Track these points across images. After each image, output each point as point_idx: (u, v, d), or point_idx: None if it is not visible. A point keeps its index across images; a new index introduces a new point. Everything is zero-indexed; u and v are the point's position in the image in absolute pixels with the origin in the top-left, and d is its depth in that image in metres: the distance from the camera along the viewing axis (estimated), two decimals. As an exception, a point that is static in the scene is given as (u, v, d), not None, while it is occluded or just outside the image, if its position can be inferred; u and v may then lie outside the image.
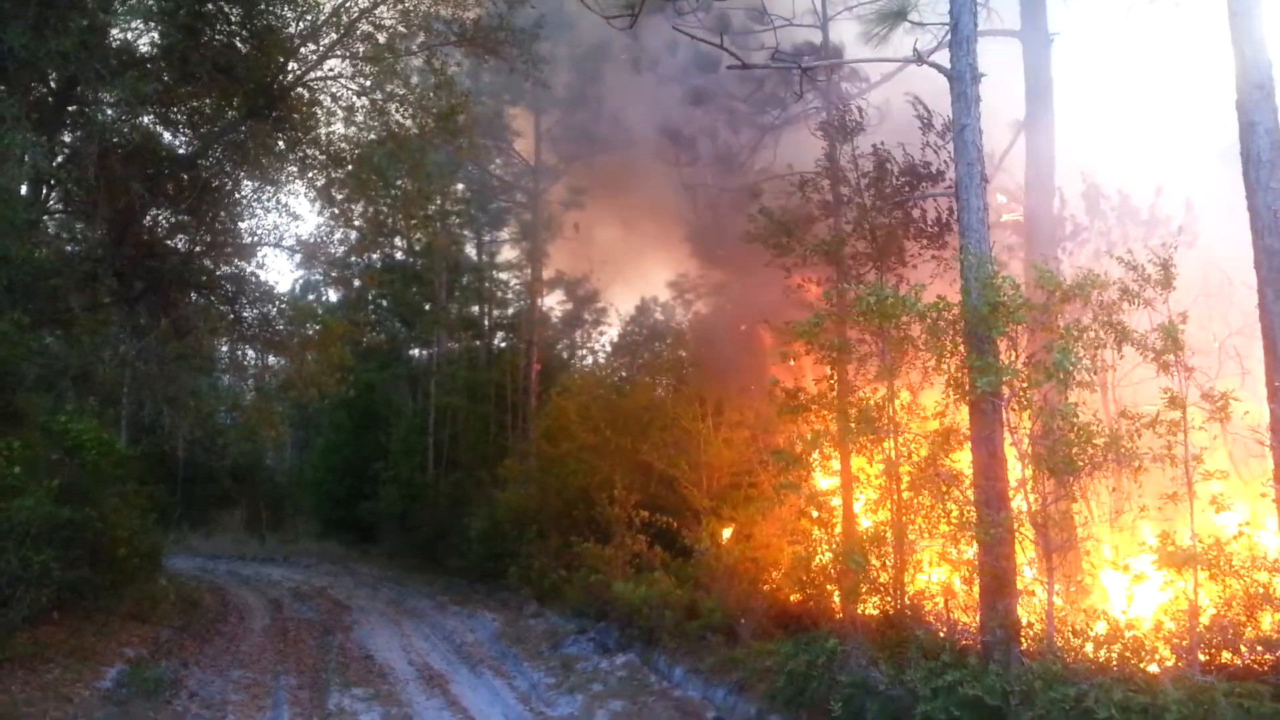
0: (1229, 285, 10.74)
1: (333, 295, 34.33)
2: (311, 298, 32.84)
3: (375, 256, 26.60)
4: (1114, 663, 6.83)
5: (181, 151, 15.68)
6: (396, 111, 15.76)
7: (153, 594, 15.85)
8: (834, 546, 9.30)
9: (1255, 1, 7.84)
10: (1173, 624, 7.05)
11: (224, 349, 19.26)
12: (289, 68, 14.99)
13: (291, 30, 14.73)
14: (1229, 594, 7.03)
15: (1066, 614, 7.46)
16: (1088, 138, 13.73)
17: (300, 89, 15.34)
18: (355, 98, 15.78)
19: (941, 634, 8.05)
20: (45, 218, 14.72)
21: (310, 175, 16.42)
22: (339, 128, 16.20)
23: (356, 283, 29.03)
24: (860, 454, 9.35)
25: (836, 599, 9.70)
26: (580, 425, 18.15)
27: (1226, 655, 7.01)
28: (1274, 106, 7.65)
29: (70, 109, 14.03)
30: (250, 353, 19.27)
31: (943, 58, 8.97)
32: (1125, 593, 7.22)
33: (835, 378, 10.07)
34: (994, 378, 7.62)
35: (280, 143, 15.55)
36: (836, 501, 10.20)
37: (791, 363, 10.91)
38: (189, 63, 13.55)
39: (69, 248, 15.24)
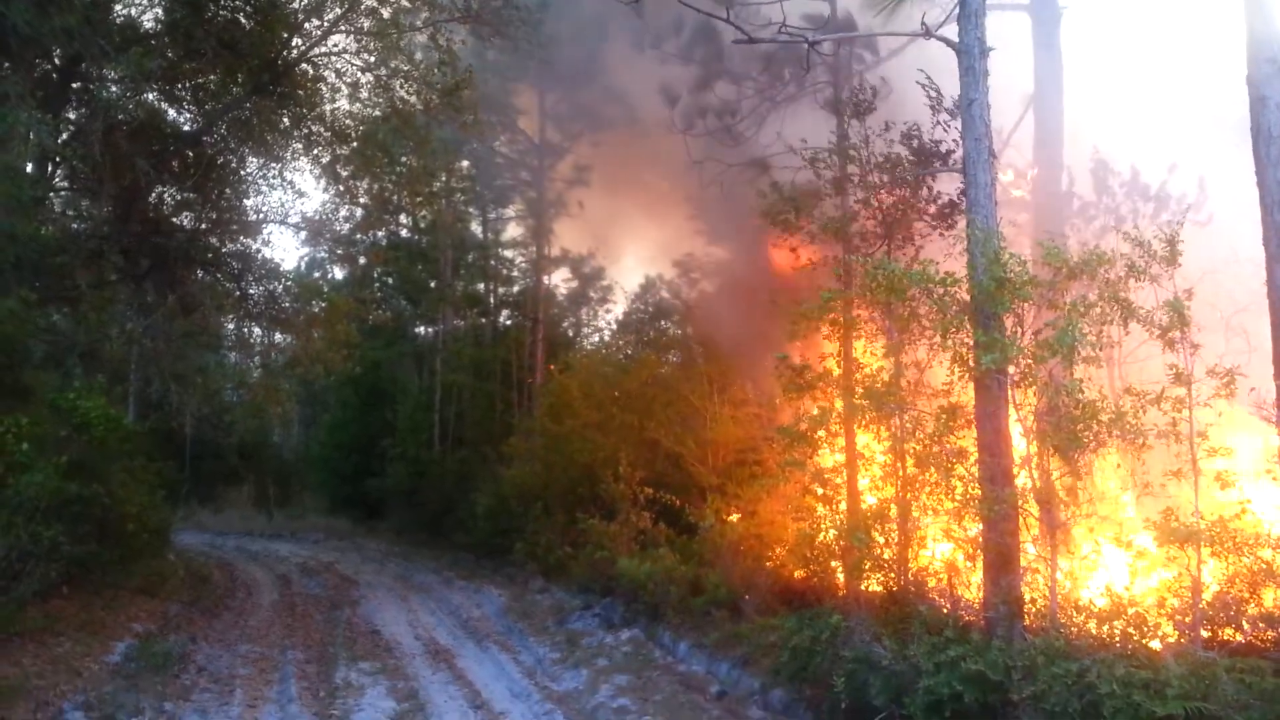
0: (1235, 261, 10.68)
1: (338, 273, 34.39)
2: (317, 275, 32.84)
3: (381, 234, 26.63)
4: (1116, 638, 6.85)
5: (186, 128, 15.68)
6: (401, 88, 15.70)
7: (161, 569, 15.98)
8: (838, 523, 9.32)
9: (1267, -26, 7.76)
10: (1175, 600, 7.05)
11: (230, 326, 19.25)
12: (293, 43, 14.94)
13: (295, 5, 14.68)
14: (1232, 571, 7.03)
15: (1070, 590, 7.47)
16: (1097, 113, 13.64)
17: (305, 65, 15.29)
18: (360, 74, 15.74)
19: (945, 610, 8.07)
20: (51, 195, 14.74)
21: (315, 152, 16.41)
22: (344, 104, 16.18)
23: (362, 260, 29.03)
24: (866, 431, 9.35)
25: (840, 575, 9.73)
26: (584, 403, 18.17)
27: (1229, 632, 7.02)
28: (1285, 81, 7.58)
29: (75, 86, 14.02)
30: (257, 330, 19.29)
31: (951, 32, 8.90)
32: (1128, 569, 7.23)
33: (842, 354, 10.06)
34: (999, 354, 7.60)
35: (285, 119, 15.52)
36: (841, 479, 10.21)
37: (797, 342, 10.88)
38: (193, 38, 13.52)
39: (75, 225, 15.27)
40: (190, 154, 15.33)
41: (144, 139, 14.25)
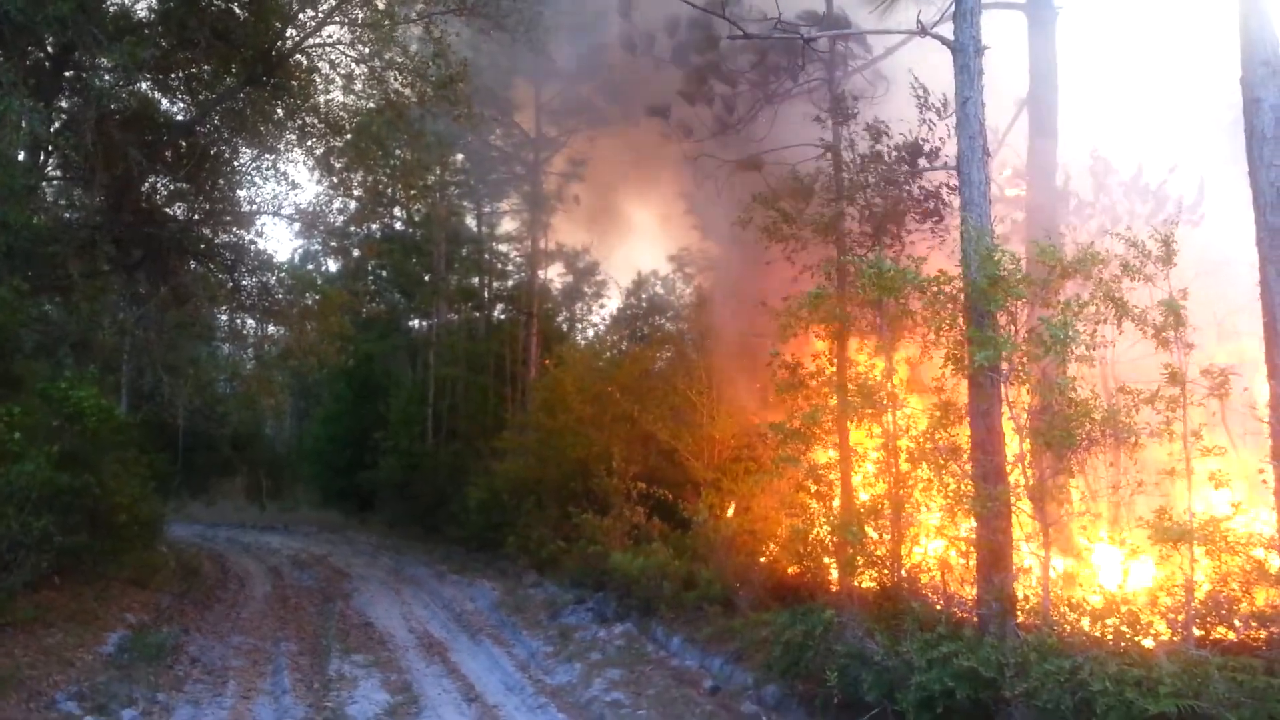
0: (1228, 263, 10.72)
1: (332, 265, 34.35)
2: (311, 267, 32.82)
3: (374, 226, 26.62)
4: (1109, 636, 6.88)
5: (179, 118, 15.60)
6: (395, 80, 15.65)
7: (153, 560, 15.95)
8: (832, 519, 9.34)
9: (1263, -25, 7.78)
10: (1168, 599, 7.08)
11: (223, 317, 19.23)
12: (287, 34, 14.88)
13: (290, -4, 14.63)
14: (1225, 570, 7.06)
15: (1062, 587, 7.50)
16: (1092, 113, 13.67)
17: (299, 56, 15.25)
18: (354, 65, 15.70)
19: (938, 606, 8.10)
20: (43, 184, 14.66)
21: (309, 143, 16.35)
22: (338, 96, 16.14)
23: (356, 253, 29.06)
24: (859, 428, 9.37)
25: (834, 571, 9.75)
26: (577, 397, 18.17)
27: (1221, 630, 7.05)
28: (1280, 83, 7.60)
29: (67, 74, 13.93)
30: (249, 321, 19.25)
31: (946, 30, 8.91)
32: (1121, 567, 7.25)
33: (834, 352, 10.07)
34: (993, 352, 7.62)
35: (279, 110, 15.47)
36: (835, 475, 10.22)
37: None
38: (187, 28, 13.45)
39: (67, 214, 15.19)
40: (183, 144, 15.26)
41: (137, 128, 14.18)
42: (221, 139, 15.75)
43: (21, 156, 12.96)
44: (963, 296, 8.23)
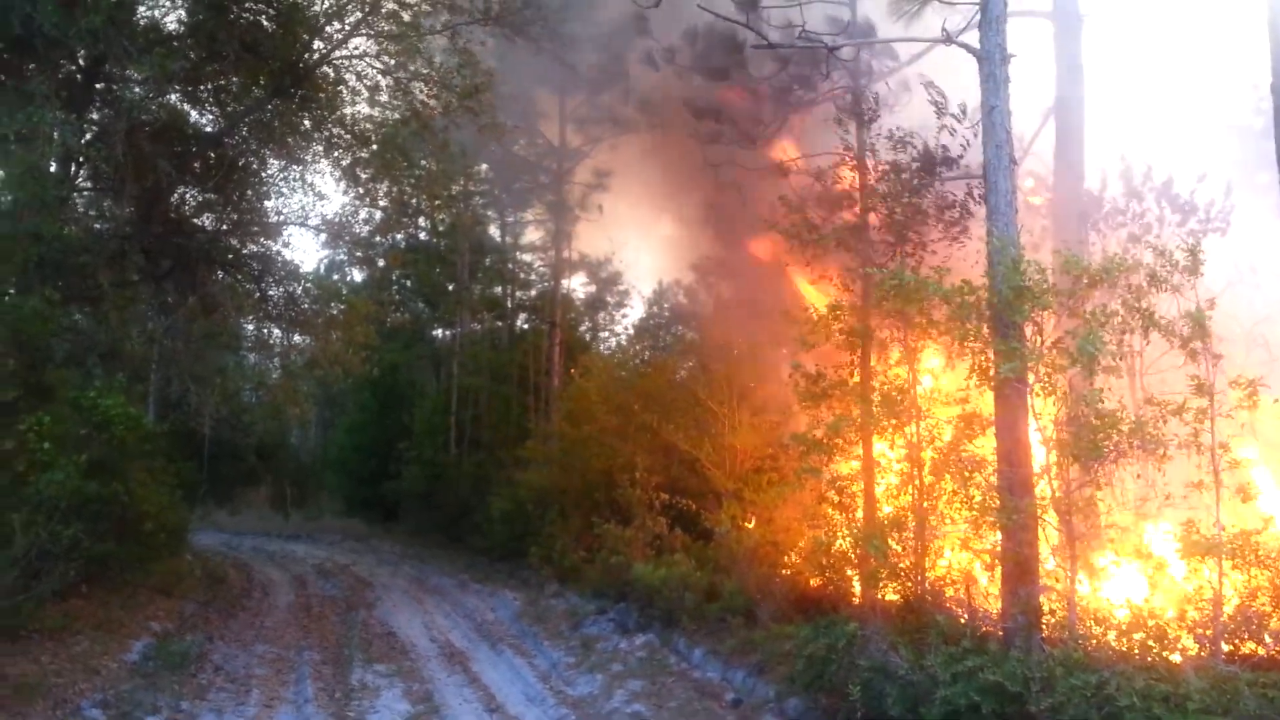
0: (1255, 272, 10.60)
1: (357, 275, 34.46)
2: (336, 277, 32.93)
3: (399, 236, 26.69)
4: (1136, 651, 6.79)
5: (208, 130, 15.77)
6: (420, 91, 15.76)
7: (179, 569, 16.08)
8: (855, 531, 9.28)
9: (1292, -18, 7.69)
10: (1196, 613, 6.98)
11: (250, 327, 19.38)
12: (314, 46, 15.02)
13: (317, 8, 14.76)
14: (1254, 584, 6.95)
15: (1089, 601, 7.41)
16: (1119, 121, 13.55)
17: (325, 68, 15.38)
18: (380, 77, 15.82)
19: (962, 620, 8.02)
20: (74, 195, 14.85)
21: (335, 154, 16.49)
22: (364, 107, 16.26)
23: (381, 263, 29.15)
24: (882, 438, 9.31)
25: (856, 584, 9.68)
26: (602, 407, 18.16)
27: (1251, 646, 6.95)
28: (1310, 90, 7.51)
29: (98, 87, 14.12)
30: (276, 331, 19.37)
31: (972, 38, 8.86)
32: (1148, 581, 7.16)
33: (857, 363, 10.02)
34: (1018, 363, 7.55)
35: (306, 122, 15.61)
36: (858, 486, 10.16)
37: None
38: (216, 40, 13.60)
39: (97, 225, 15.37)
40: (212, 155, 15.41)
41: (166, 140, 14.34)
42: (249, 150, 15.90)
43: (53, 168, 13.15)
44: (987, 307, 8.17)
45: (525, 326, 31.63)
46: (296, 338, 18.99)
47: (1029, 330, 7.91)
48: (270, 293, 16.65)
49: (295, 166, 16.35)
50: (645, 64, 14.13)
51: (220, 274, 16.22)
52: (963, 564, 8.48)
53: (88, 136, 13.73)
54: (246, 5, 14.08)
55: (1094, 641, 6.98)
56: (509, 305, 32.08)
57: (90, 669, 9.66)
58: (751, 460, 14.56)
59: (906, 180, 10.77)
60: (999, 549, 7.91)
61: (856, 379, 9.98)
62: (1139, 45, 14.11)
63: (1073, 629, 7.15)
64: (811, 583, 11.07)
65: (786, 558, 11.88)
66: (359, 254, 22.61)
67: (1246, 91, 13.02)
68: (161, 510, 15.23)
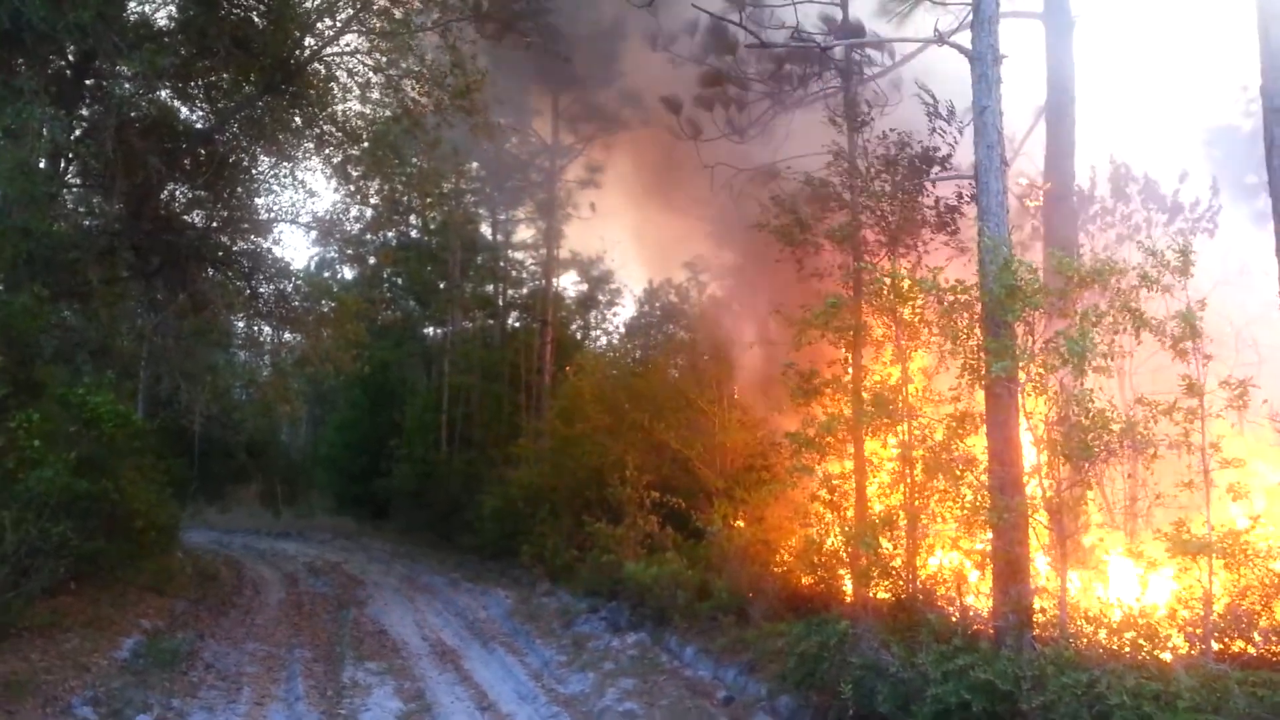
0: (1247, 273, 10.66)
1: (348, 272, 34.48)
2: (327, 275, 32.94)
3: (390, 234, 26.67)
4: (1127, 649, 6.82)
5: (199, 126, 15.72)
6: (412, 88, 15.73)
7: (169, 566, 16.01)
8: (846, 530, 9.30)
9: (1283, -16, 7.73)
10: (1186, 612, 7.02)
11: (240, 324, 19.34)
12: (305, 43, 14.98)
13: (308, 5, 14.72)
14: (1244, 583, 6.99)
15: (1079, 600, 7.44)
16: (1109, 122, 13.62)
17: (316, 64, 15.35)
18: (371, 74, 15.77)
19: (953, 618, 8.04)
20: (63, 191, 14.79)
21: (326, 152, 16.45)
22: (355, 104, 16.24)
23: (372, 260, 29.13)
24: (874, 438, 9.33)
25: (848, 582, 9.71)
26: (594, 405, 18.17)
27: (1240, 644, 6.99)
28: (1300, 92, 7.55)
29: (88, 83, 14.06)
30: (266, 329, 19.34)
31: (964, 39, 8.88)
32: (1139, 580, 7.19)
33: (850, 361, 10.04)
34: (1010, 362, 7.57)
35: (297, 118, 15.57)
36: (849, 485, 10.19)
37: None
38: (206, 36, 13.56)
39: (87, 221, 15.29)
40: (202, 152, 15.36)
41: (156, 136, 14.29)
42: (240, 147, 15.85)
43: (42, 164, 13.10)
44: (979, 306, 8.20)
45: (517, 325, 31.64)
46: (287, 335, 18.98)
47: (1020, 330, 7.94)
48: (261, 290, 16.61)
49: (286, 163, 16.31)
50: (638, 60, 14.14)
51: (210, 271, 16.18)
52: (954, 563, 8.51)
53: (77, 132, 13.68)
54: (237, 1, 14.04)
55: (1085, 640, 7.01)
56: (500, 303, 32.08)
57: (80, 666, 9.61)
58: (742, 459, 14.59)
59: (899, 180, 10.80)
60: (990, 548, 7.94)
61: (849, 377, 10.00)
62: (1130, 48, 14.18)
63: (1064, 627, 7.18)
64: (803, 581, 11.10)
65: (778, 556, 11.90)
66: (350, 251, 22.60)
67: (1235, 93, 13.11)
68: (152, 508, 15.18)
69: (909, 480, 8.79)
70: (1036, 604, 7.56)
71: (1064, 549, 7.40)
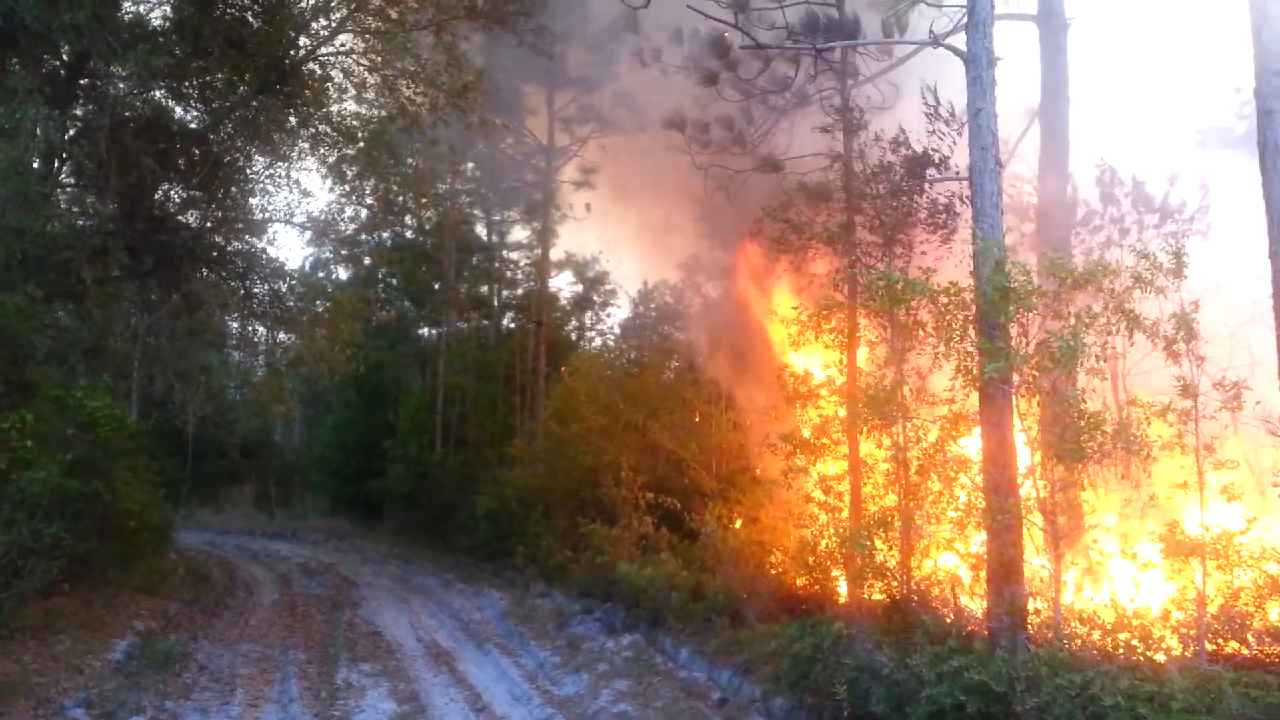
0: (1236, 275, 10.68)
1: (343, 273, 34.37)
2: (322, 275, 32.84)
3: (385, 235, 26.63)
4: (1121, 651, 6.82)
5: (193, 126, 15.69)
6: (408, 88, 15.71)
7: (162, 568, 15.99)
8: (840, 531, 9.30)
9: (1276, -14, 7.74)
10: (1180, 613, 7.03)
11: (234, 325, 19.29)
12: (300, 43, 14.96)
13: (303, 5, 14.70)
14: (1237, 584, 7.01)
15: (1074, 601, 7.45)
16: (1103, 124, 13.63)
17: (311, 64, 15.32)
18: (366, 74, 15.75)
19: (947, 619, 8.04)
20: (57, 191, 14.75)
21: (321, 152, 16.43)
22: (350, 104, 16.22)
23: (367, 261, 29.08)
24: (868, 439, 9.33)
25: (842, 583, 9.71)
26: (589, 406, 18.16)
27: (1234, 645, 7.00)
28: (1294, 93, 7.55)
29: (82, 82, 14.04)
30: (260, 329, 19.29)
31: (959, 41, 8.89)
32: (1133, 581, 7.20)
33: (844, 363, 10.05)
34: (1003, 363, 7.58)
35: (291, 119, 15.55)
36: (844, 486, 10.19)
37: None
38: (201, 36, 13.53)
39: (80, 221, 15.27)
40: (196, 152, 15.33)
41: (150, 136, 14.27)
42: (234, 147, 15.83)
43: (36, 164, 13.05)
44: (974, 308, 8.20)
45: (512, 326, 31.60)
46: (281, 335, 18.93)
47: (1014, 331, 7.95)
48: (255, 290, 16.59)
49: (280, 163, 16.31)
50: (634, 61, 14.12)
51: (204, 271, 16.15)
52: (948, 564, 8.51)
53: (71, 132, 13.64)
54: (232, 1, 14.02)
55: (1079, 641, 7.02)
56: (495, 304, 32.05)
57: (73, 668, 9.59)
58: (737, 460, 14.58)
59: (894, 182, 10.83)
60: (984, 549, 7.95)
61: (843, 379, 10.01)
62: (1124, 49, 14.21)
63: (1058, 629, 7.18)
64: (797, 582, 11.11)
65: (772, 557, 11.90)
66: (345, 252, 22.55)
67: (1229, 96, 13.14)
68: (145, 509, 15.16)
69: (903, 482, 8.79)
70: (1031, 605, 7.57)
71: (1058, 550, 7.41)
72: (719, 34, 12.98)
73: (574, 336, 32.23)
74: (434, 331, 33.54)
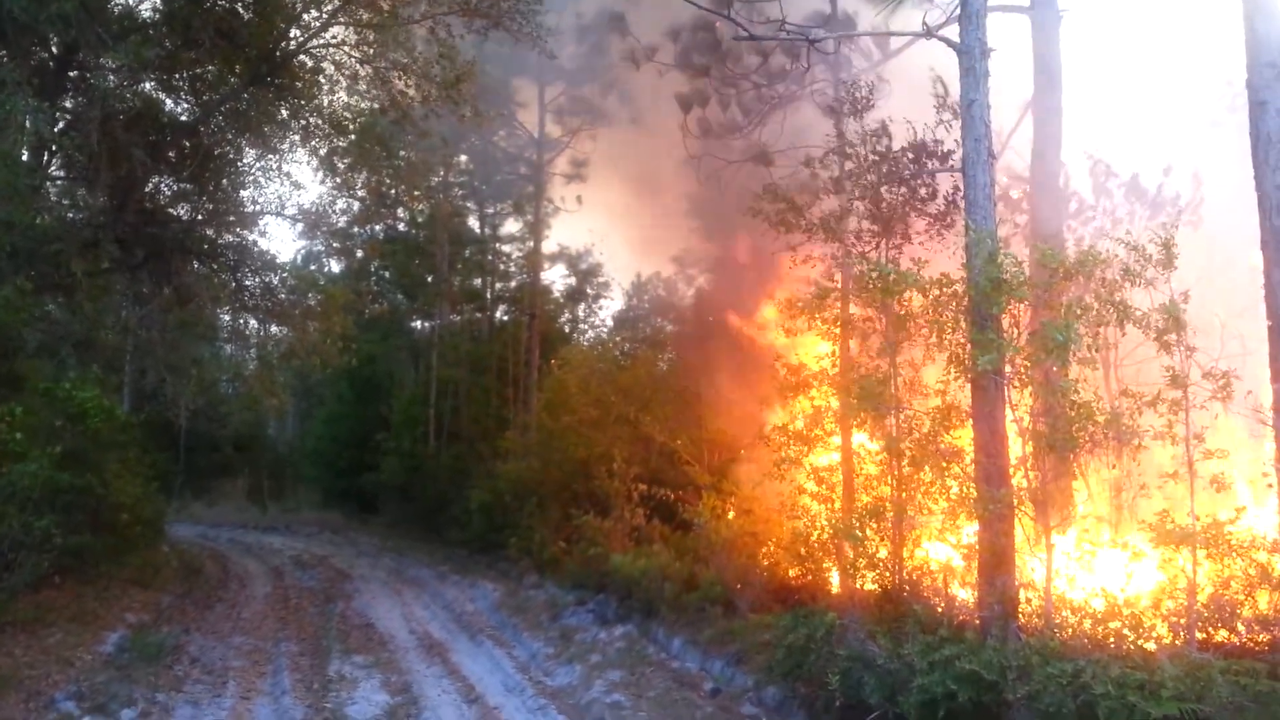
0: (1230, 266, 10.71)
1: (335, 265, 34.35)
2: (314, 268, 32.80)
3: (378, 227, 26.60)
4: (1111, 639, 6.85)
5: (183, 118, 15.60)
6: (399, 80, 15.64)
7: (154, 560, 15.96)
8: (833, 522, 9.32)
9: (1268, -23, 7.75)
10: (1171, 602, 7.06)
11: (226, 318, 19.24)
12: (291, 34, 14.87)
13: (294, -4, 14.62)
14: (1227, 573, 7.04)
15: (1064, 590, 7.48)
16: (1095, 116, 13.65)
17: (303, 56, 15.23)
18: (358, 66, 15.66)
19: (939, 609, 8.07)
20: (47, 183, 14.67)
21: (313, 144, 16.35)
22: (342, 96, 16.12)
23: (359, 253, 29.06)
24: (861, 430, 9.35)
25: (835, 574, 9.73)
26: (581, 398, 18.17)
27: (1223, 634, 7.03)
28: (1286, 85, 7.56)
29: (72, 74, 13.96)
30: (252, 322, 19.26)
31: (952, 32, 8.89)
32: (1123, 570, 7.23)
33: (838, 353, 10.06)
34: (995, 355, 7.60)
35: (282, 111, 15.46)
36: (837, 477, 10.21)
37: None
38: (191, 28, 13.46)
39: (70, 214, 15.18)
40: (187, 144, 15.26)
41: (141, 128, 14.20)
42: (225, 139, 15.75)
43: (25, 156, 12.98)
44: (966, 299, 8.22)
45: (505, 318, 31.57)
46: (273, 328, 18.89)
47: (1006, 322, 7.96)
48: (246, 283, 16.52)
49: (271, 156, 16.21)
50: (626, 53, 14.11)
51: (196, 264, 16.08)
52: (940, 554, 8.54)
53: (61, 125, 13.57)
54: (222, -9, 13.94)
55: (1070, 630, 7.05)
56: (488, 297, 32.00)
57: (64, 661, 9.57)
58: (728, 451, 14.60)
59: (888, 171, 10.82)
60: (976, 539, 7.97)
61: (836, 370, 10.02)
62: (1117, 40, 14.20)
63: (1049, 618, 7.21)
64: (790, 573, 11.14)
65: (765, 548, 11.93)
66: (336, 244, 22.53)
67: (1221, 87, 13.14)
68: (137, 502, 15.13)
69: (896, 472, 8.81)
70: (1022, 594, 7.60)
71: (1049, 539, 7.44)
72: (712, 25, 12.99)
73: (567, 329, 32.21)
74: (427, 324, 33.49)
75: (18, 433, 10.58)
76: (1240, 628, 6.98)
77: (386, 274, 33.48)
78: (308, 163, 16.80)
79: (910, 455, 8.57)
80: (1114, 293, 7.63)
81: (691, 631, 11.27)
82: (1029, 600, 7.59)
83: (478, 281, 32.15)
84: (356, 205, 18.54)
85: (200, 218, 16.17)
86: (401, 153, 17.40)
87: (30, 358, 13.38)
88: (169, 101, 15.75)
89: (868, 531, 8.64)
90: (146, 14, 14.39)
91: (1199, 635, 6.92)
